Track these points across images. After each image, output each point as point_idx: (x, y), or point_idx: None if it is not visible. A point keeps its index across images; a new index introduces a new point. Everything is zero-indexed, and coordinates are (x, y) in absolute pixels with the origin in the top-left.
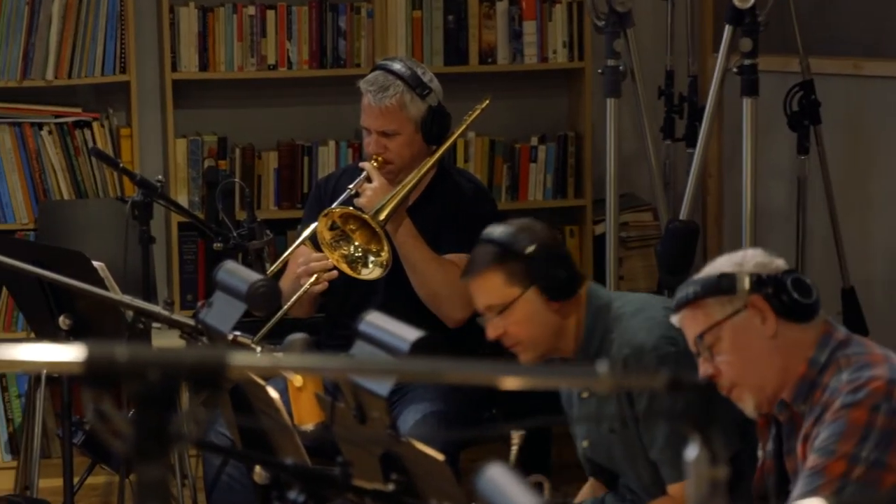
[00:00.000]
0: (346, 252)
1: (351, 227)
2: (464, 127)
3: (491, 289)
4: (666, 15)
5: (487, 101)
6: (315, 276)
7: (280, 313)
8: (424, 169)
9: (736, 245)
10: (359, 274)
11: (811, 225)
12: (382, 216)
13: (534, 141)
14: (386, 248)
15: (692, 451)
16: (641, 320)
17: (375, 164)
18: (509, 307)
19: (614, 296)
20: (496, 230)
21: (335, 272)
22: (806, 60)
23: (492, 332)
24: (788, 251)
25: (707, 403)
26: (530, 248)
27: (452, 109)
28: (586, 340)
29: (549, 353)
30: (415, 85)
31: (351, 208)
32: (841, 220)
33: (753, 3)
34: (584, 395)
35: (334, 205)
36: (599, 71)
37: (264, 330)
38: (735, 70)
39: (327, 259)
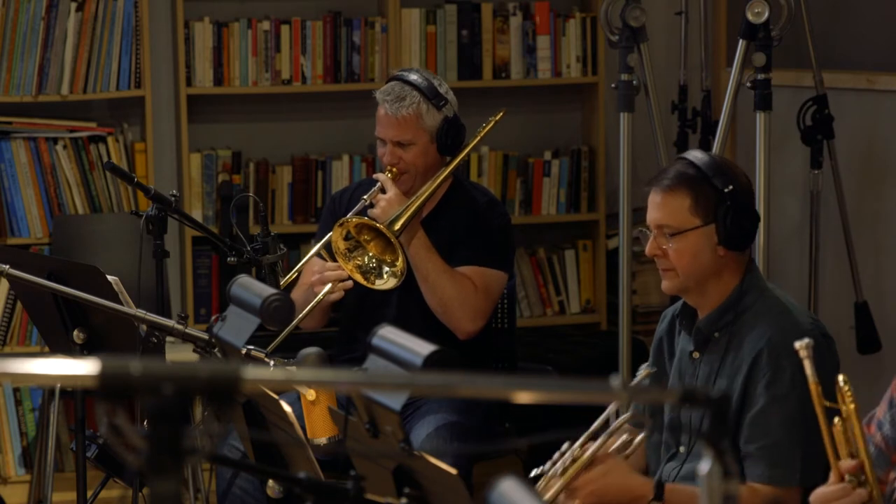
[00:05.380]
0: (360, 262)
1: (365, 237)
2: (478, 139)
3: (674, 209)
4: (679, 30)
5: (502, 113)
6: (329, 285)
7: (293, 324)
8: (439, 180)
9: None
10: (372, 284)
11: (824, 239)
12: (397, 226)
13: (547, 155)
14: (400, 258)
15: (705, 465)
16: (791, 317)
17: (390, 175)
18: (682, 234)
19: (771, 286)
20: (701, 155)
21: (350, 282)
22: (819, 75)
23: (651, 249)
24: (802, 265)
25: (721, 417)
26: (729, 187)
27: (466, 124)
28: (726, 306)
29: (691, 294)
30: (431, 96)
31: (366, 218)
32: (854, 234)
33: (767, 18)
34: (696, 355)
35: (349, 214)
36: (613, 85)
37: (277, 341)
38: (748, 84)
39: (342, 269)
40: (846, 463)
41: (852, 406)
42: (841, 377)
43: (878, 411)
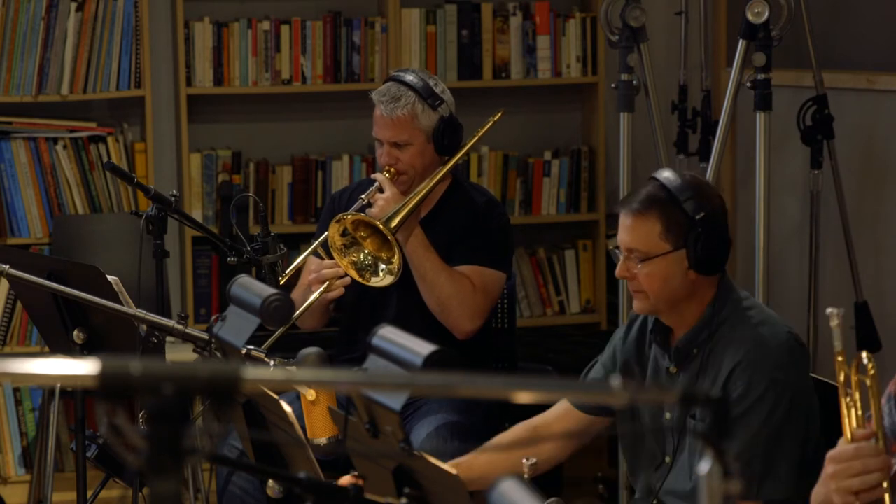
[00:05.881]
0: (355, 259)
1: (362, 234)
2: (476, 139)
3: (643, 233)
4: (679, 30)
5: (500, 114)
6: (326, 283)
7: (290, 321)
8: (436, 178)
9: (749, 260)
10: (368, 282)
11: (824, 239)
12: (394, 223)
13: (547, 155)
14: (397, 255)
15: (704, 465)
16: (766, 328)
17: (388, 175)
18: (652, 259)
19: (744, 295)
20: (673, 177)
21: (348, 278)
22: (819, 75)
23: (621, 271)
24: (802, 265)
25: (721, 417)
26: (700, 214)
27: (466, 124)
28: (703, 323)
29: (663, 315)
30: (427, 95)
31: (362, 215)
32: (854, 234)
33: (767, 18)
34: (673, 370)
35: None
36: (613, 85)
37: (273, 338)
38: (748, 85)
39: (339, 266)
40: (860, 431)
41: (874, 374)
42: (864, 354)
43: None
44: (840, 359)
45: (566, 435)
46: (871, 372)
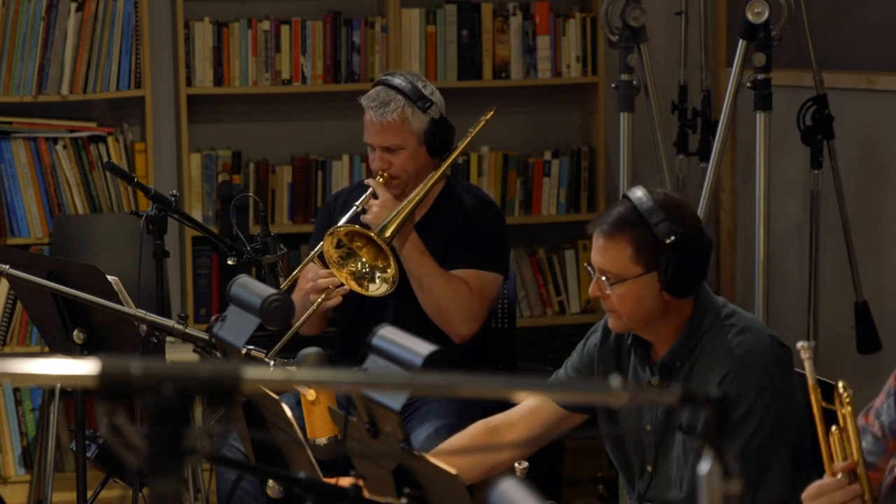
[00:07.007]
0: (353, 269)
1: (357, 243)
2: (469, 139)
3: (614, 256)
4: (679, 30)
5: (492, 112)
6: (324, 293)
7: (291, 331)
8: (430, 183)
9: (749, 260)
10: (366, 290)
11: (824, 239)
12: (388, 233)
13: (547, 155)
14: (392, 264)
15: (705, 465)
16: (749, 335)
17: (381, 179)
18: (623, 281)
19: (721, 302)
20: (646, 198)
21: (346, 287)
22: (819, 75)
23: (593, 290)
24: (802, 265)
25: (721, 417)
26: (671, 238)
27: (465, 124)
28: (685, 336)
29: (641, 332)
30: (416, 98)
31: (356, 226)
32: (854, 234)
33: (767, 18)
34: (654, 382)
35: (340, 223)
36: (613, 85)
37: (277, 347)
38: (748, 85)
39: (335, 275)
40: (840, 463)
41: (849, 409)
42: (841, 383)
43: (876, 401)
44: (815, 396)
45: (527, 441)
46: (847, 400)
